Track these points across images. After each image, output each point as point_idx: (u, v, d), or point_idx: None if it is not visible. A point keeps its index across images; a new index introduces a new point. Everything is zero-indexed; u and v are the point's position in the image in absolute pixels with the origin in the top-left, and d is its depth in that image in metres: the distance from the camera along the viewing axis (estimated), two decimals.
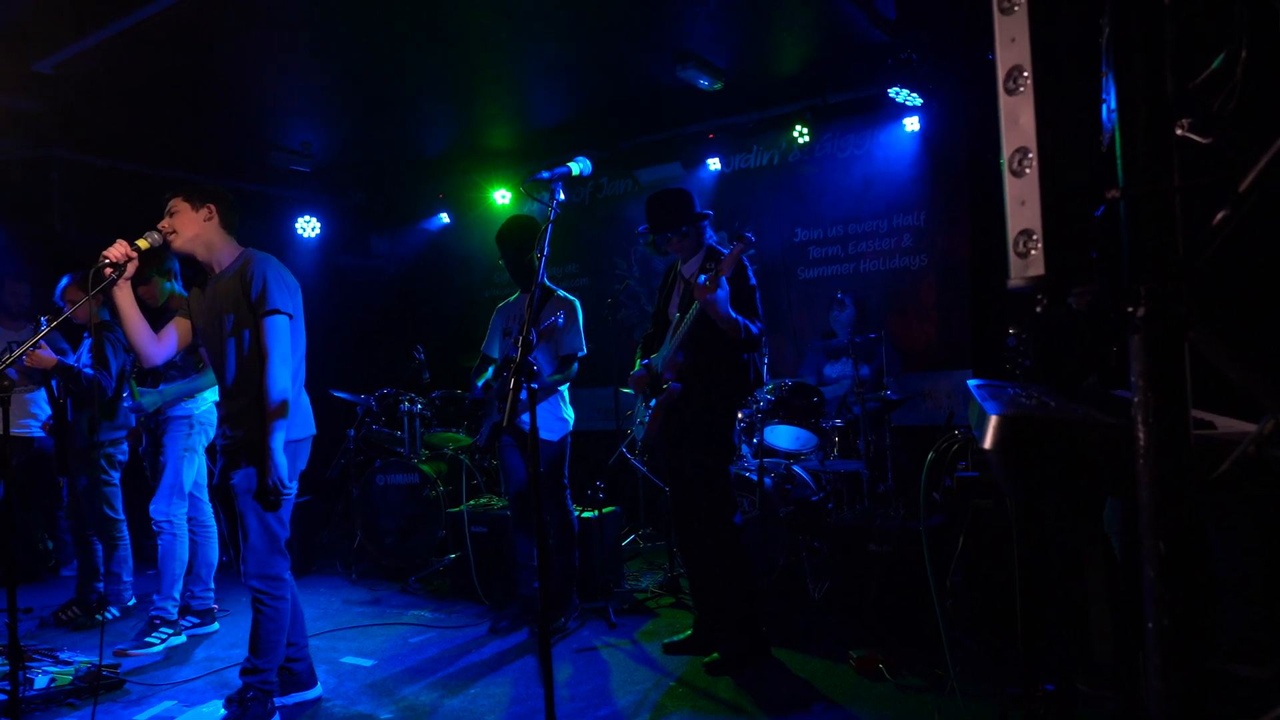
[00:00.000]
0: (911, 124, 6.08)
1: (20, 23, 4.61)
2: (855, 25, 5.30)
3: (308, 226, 8.33)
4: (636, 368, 4.00)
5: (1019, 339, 3.62)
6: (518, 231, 4.39)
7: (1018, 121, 1.18)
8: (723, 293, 3.49)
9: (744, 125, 6.73)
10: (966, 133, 5.94)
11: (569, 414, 4.47)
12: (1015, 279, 1.19)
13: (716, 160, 6.97)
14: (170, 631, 4.29)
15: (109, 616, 4.71)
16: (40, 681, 3.52)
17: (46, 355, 4.41)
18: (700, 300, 3.51)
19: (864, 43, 5.57)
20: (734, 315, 3.55)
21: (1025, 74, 1.18)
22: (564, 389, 4.44)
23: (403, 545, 5.75)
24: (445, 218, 8.49)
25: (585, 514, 4.85)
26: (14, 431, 4.65)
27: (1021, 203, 1.17)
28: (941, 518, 4.09)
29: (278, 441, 3.16)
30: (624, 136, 7.16)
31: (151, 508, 4.35)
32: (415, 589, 5.37)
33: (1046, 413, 1.39)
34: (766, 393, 5.00)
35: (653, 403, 3.88)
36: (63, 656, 3.83)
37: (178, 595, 4.37)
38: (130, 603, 4.86)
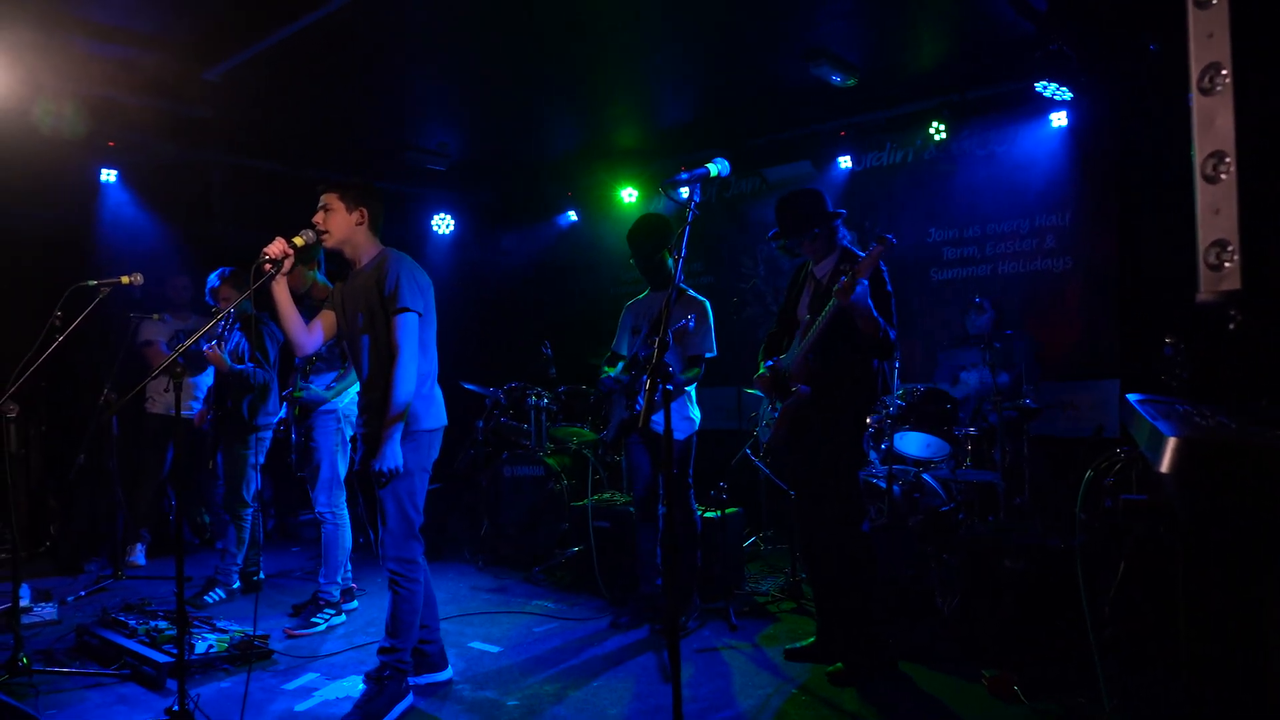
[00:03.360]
0: (1059, 119, 5.79)
1: (197, 35, 4.97)
2: (1000, 17, 5.06)
3: (443, 224, 8.68)
4: (760, 369, 3.95)
5: (1176, 349, 3.37)
6: (648, 230, 4.43)
7: (1214, 123, 1.10)
8: (863, 290, 3.39)
9: (877, 122, 6.57)
10: (1119, 128, 5.60)
11: (695, 413, 4.47)
12: (1205, 293, 1.10)
13: (848, 158, 6.83)
14: (333, 612, 4.59)
15: (218, 598, 4.99)
16: (200, 647, 3.80)
17: (224, 360, 4.76)
18: (843, 302, 3.42)
19: (1009, 35, 5.32)
20: (876, 315, 3.45)
21: (1224, 73, 1.09)
22: (691, 388, 4.44)
23: (527, 536, 5.89)
24: (573, 215, 8.66)
25: (708, 514, 4.84)
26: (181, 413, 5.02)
27: (1215, 211, 1.09)
28: (1084, 537, 3.87)
29: (394, 435, 3.27)
30: (752, 135, 7.09)
31: (314, 499, 4.64)
32: (538, 579, 5.49)
33: (1230, 436, 1.29)
34: (897, 398, 4.87)
35: (779, 405, 3.83)
36: (219, 625, 4.10)
37: (340, 579, 4.65)
38: (235, 585, 5.09)
